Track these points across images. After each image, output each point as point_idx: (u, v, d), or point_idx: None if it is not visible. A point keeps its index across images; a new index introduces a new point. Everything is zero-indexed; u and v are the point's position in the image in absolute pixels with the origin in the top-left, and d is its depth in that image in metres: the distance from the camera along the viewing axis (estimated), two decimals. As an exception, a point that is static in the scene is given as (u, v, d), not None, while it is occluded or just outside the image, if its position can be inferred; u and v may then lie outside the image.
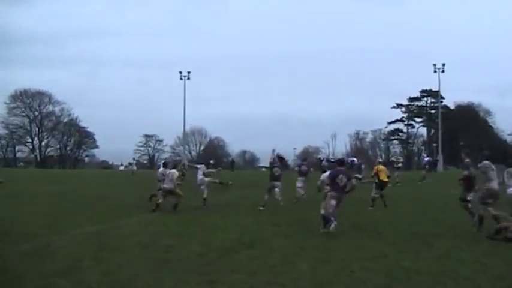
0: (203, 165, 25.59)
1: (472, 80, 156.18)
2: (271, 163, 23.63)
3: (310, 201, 22.66)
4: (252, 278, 9.82)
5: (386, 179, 23.38)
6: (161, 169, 23.96)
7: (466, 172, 16.82)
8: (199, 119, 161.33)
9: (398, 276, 9.90)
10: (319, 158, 58.96)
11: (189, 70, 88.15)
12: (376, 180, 22.92)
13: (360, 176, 31.98)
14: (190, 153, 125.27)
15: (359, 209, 21.01)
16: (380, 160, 27.87)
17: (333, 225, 14.83)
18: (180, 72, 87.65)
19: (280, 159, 25.00)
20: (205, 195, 23.80)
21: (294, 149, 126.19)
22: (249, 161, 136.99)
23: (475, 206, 16.22)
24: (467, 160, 16.90)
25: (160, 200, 21.78)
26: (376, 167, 23.61)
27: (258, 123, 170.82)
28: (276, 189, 22.93)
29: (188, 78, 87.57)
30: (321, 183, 18.72)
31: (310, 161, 40.06)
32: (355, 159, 42.50)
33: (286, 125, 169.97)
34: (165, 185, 21.84)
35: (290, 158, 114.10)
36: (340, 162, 17.07)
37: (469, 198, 16.71)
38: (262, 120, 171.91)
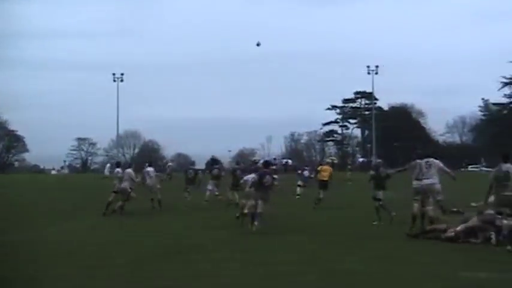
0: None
1: (405, 81, 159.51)
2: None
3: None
4: (185, 283, 9.67)
5: (325, 178, 24.14)
6: (117, 169, 23.48)
7: (372, 172, 19.37)
8: (133, 121, 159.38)
9: (334, 278, 9.90)
10: (254, 159, 59.26)
11: (122, 72, 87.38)
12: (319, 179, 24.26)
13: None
14: (125, 156, 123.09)
15: (295, 211, 21.14)
16: (328, 161, 28.61)
17: (256, 224, 15.53)
18: (113, 74, 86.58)
19: (214, 161, 25.63)
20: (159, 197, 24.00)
21: (229, 151, 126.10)
22: (183, 164, 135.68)
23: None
24: (378, 161, 18.54)
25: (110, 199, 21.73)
26: (319, 167, 25.01)
27: (193, 125, 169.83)
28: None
29: (121, 80, 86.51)
30: (243, 182, 18.84)
31: (245, 164, 39.83)
32: (289, 160, 42.81)
33: (221, 127, 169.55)
34: (121, 185, 21.98)
35: (225, 160, 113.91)
36: (267, 164, 18.64)
37: (379, 196, 18.21)
38: (197, 123, 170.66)
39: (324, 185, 24.12)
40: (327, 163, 28.37)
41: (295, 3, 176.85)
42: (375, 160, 17.84)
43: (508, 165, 12.96)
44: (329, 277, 9.92)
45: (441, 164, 15.49)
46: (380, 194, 18.46)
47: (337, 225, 17.82)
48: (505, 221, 12.37)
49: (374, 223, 17.63)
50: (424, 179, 15.10)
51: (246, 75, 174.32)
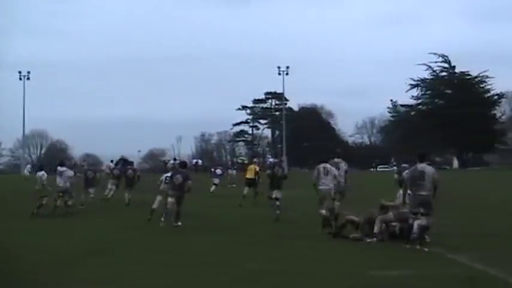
0: None
1: (316, 82, 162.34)
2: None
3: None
4: (101, 286, 9.47)
5: (251, 176, 25.55)
6: (41, 172, 22.49)
7: (268, 171, 20.63)
8: (41, 121, 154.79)
9: (247, 279, 9.85)
10: (164, 160, 58.85)
11: (29, 70, 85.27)
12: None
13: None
14: (31, 156, 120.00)
15: (209, 210, 21.06)
16: (255, 160, 30.90)
17: (163, 220, 16.47)
18: (20, 72, 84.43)
19: (125, 162, 25.76)
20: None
21: (139, 151, 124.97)
22: (94, 164, 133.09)
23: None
24: (275, 160, 19.37)
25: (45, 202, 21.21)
26: (247, 166, 26.91)
27: (102, 125, 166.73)
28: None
29: (28, 79, 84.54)
30: (160, 182, 18.89)
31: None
32: (199, 161, 42.86)
33: (131, 127, 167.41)
34: (61, 185, 21.64)
35: (135, 160, 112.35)
36: (182, 164, 19.63)
37: (274, 196, 18.84)
38: (106, 123, 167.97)
39: (249, 183, 25.22)
40: (253, 162, 29.03)
41: (205, 4, 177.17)
42: (273, 160, 19.61)
43: (423, 165, 13.26)
44: (242, 278, 9.84)
45: (337, 172, 15.88)
46: (275, 193, 18.96)
47: (252, 224, 17.85)
48: (417, 221, 12.64)
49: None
50: (322, 184, 15.53)
51: (156, 76, 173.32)
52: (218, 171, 37.28)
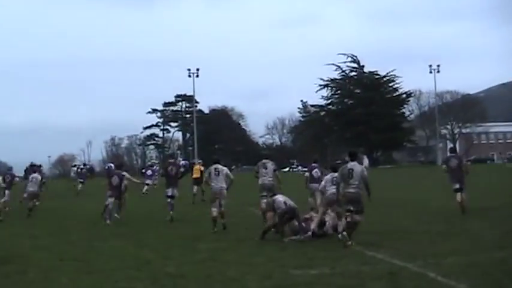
0: None
1: (226, 84, 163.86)
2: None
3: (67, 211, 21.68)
4: None
5: (197, 175, 27.72)
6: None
7: (161, 171, 23.34)
8: None
9: (164, 282, 9.68)
10: (74, 164, 57.92)
11: None
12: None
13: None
14: None
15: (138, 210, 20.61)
16: (200, 161, 33.07)
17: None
18: None
19: (34, 167, 25.48)
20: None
21: (49, 157, 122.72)
22: (1, 171, 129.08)
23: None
24: (183, 162, 20.55)
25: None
26: (193, 167, 29.70)
27: (7, 131, 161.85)
28: None
29: None
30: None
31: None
32: (112, 165, 42.32)
33: (38, 133, 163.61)
34: (30, 189, 23.12)
35: (46, 166, 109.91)
36: (118, 166, 21.94)
37: (170, 193, 19.90)
38: (14, 129, 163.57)
39: (196, 182, 27.39)
40: (198, 163, 31.55)
41: (111, 7, 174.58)
42: (184, 162, 22.21)
43: (353, 163, 13.46)
44: (156, 283, 9.67)
45: (228, 171, 17.28)
46: (170, 191, 20.00)
47: (167, 227, 17.70)
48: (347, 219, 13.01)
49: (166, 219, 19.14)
50: (214, 183, 16.71)
51: (63, 80, 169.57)
52: (149, 172, 39.06)
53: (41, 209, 23.84)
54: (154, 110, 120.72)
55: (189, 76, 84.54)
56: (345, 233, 12.83)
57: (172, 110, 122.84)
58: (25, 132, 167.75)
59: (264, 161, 18.68)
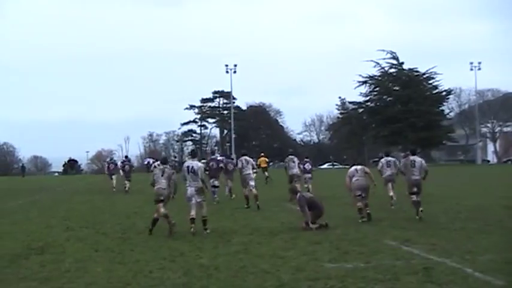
0: None
1: (264, 81, 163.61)
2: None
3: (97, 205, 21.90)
4: (44, 285, 9.26)
5: (264, 165, 35.77)
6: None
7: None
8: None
9: (197, 274, 9.69)
10: (107, 160, 58.89)
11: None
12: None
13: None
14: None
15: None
16: (262, 154, 39.70)
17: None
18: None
19: (72, 162, 25.87)
20: None
21: (87, 152, 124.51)
22: (40, 166, 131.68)
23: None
24: (212, 157, 26.20)
25: None
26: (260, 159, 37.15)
27: (48, 127, 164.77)
28: None
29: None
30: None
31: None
32: (151, 160, 43.03)
33: (77, 128, 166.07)
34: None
35: (83, 162, 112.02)
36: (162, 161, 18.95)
37: (213, 184, 23.53)
38: (52, 124, 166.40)
39: (264, 169, 35.44)
40: (262, 156, 39.31)
41: (147, 4, 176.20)
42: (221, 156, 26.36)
43: (414, 156, 17.09)
44: (189, 274, 9.70)
45: (253, 162, 23.36)
46: (213, 181, 23.52)
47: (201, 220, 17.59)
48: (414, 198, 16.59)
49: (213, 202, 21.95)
50: (245, 171, 21.75)
51: (102, 76, 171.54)
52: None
53: (77, 202, 24.21)
54: (192, 106, 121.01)
55: (227, 72, 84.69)
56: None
57: (210, 106, 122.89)
58: (64, 127, 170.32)
59: (290, 156, 25.61)
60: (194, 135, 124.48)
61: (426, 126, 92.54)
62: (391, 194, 19.95)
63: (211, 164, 24.50)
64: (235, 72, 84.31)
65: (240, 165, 22.23)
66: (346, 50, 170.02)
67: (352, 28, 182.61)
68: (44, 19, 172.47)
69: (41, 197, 30.45)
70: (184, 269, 10.11)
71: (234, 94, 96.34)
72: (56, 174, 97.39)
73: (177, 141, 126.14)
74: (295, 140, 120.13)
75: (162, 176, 15.16)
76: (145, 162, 43.48)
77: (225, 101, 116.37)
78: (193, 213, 14.64)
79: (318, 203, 15.39)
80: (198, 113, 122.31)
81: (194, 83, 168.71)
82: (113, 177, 32.94)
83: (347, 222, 16.06)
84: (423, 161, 17.11)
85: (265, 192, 17.42)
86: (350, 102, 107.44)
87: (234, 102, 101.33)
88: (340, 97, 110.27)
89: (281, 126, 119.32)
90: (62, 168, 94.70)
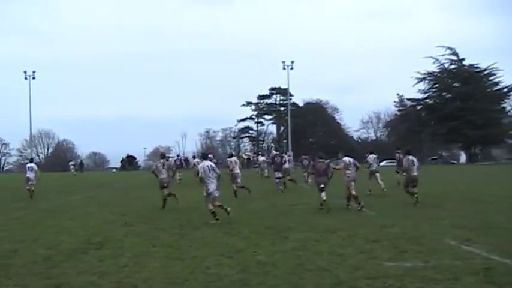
0: None
1: (321, 77, 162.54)
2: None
3: (155, 201, 22.12)
4: (102, 279, 9.41)
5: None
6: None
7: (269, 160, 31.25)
8: (46, 121, 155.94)
9: (254, 270, 9.69)
10: (167, 156, 60.08)
11: (34, 70, 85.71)
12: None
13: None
14: (39, 156, 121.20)
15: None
16: (244, 156, 38.56)
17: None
18: (25, 72, 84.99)
19: (130, 158, 26.89)
20: None
21: (145, 148, 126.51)
22: (99, 162, 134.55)
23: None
24: (274, 152, 27.96)
25: None
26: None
27: (105, 123, 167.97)
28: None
29: (33, 78, 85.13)
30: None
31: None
32: (211, 155, 44.37)
33: (134, 125, 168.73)
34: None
35: (141, 158, 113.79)
36: (230, 155, 24.69)
37: (278, 175, 28.69)
38: (110, 121, 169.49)
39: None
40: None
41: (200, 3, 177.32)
42: (274, 152, 28.62)
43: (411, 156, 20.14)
44: (246, 270, 9.71)
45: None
46: (277, 173, 28.73)
47: (258, 217, 17.69)
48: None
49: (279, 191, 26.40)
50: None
51: (160, 73, 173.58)
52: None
53: (134, 197, 24.61)
54: (249, 103, 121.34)
55: (284, 69, 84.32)
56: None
57: (267, 103, 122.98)
58: (122, 124, 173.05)
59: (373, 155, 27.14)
60: (251, 132, 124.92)
61: (486, 124, 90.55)
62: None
63: (276, 158, 29.66)
64: (292, 68, 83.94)
65: (230, 165, 26.15)
66: (403, 46, 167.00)
67: (409, 24, 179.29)
68: (101, 15, 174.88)
69: (99, 193, 31.33)
70: (242, 265, 10.12)
71: (290, 91, 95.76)
72: (114, 170, 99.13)
73: (234, 138, 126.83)
74: (352, 137, 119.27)
75: (163, 168, 21.24)
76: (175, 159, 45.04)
77: (281, 97, 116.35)
78: (211, 207, 16.44)
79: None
80: (254, 110, 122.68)
81: (251, 80, 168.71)
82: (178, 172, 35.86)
83: (405, 220, 15.89)
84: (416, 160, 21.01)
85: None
86: (408, 99, 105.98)
87: (291, 99, 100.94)
88: (398, 94, 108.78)
89: (338, 123, 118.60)
90: (120, 164, 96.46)
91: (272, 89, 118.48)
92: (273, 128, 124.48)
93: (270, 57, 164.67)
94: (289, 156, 49.84)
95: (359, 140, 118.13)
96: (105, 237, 14.07)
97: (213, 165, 17.02)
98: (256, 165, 48.90)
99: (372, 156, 26.60)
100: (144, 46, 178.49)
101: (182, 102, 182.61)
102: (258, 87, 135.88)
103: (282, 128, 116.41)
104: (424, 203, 19.49)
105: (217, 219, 16.15)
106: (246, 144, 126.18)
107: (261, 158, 46.26)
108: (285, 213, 18.59)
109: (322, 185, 19.18)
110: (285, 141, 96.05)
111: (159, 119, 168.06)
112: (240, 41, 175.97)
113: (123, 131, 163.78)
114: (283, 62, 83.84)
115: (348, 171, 19.65)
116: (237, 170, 25.85)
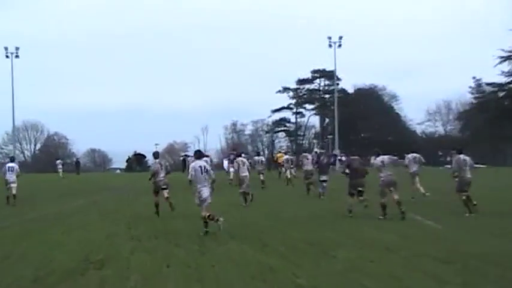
0: None
1: (375, 58, 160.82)
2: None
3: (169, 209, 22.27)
4: None
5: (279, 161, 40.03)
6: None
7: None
8: (34, 110, 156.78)
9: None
10: (185, 154, 60.21)
11: (17, 46, 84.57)
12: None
13: None
14: (24, 153, 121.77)
15: (236, 215, 20.96)
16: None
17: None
18: (6, 49, 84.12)
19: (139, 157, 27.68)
20: None
21: (156, 144, 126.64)
22: (99, 162, 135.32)
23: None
24: (321, 151, 29.48)
25: None
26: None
27: (108, 116, 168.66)
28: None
29: (17, 56, 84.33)
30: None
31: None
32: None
33: (143, 118, 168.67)
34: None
35: (151, 156, 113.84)
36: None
37: (323, 178, 28.83)
38: (113, 113, 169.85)
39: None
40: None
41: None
42: (318, 151, 30.11)
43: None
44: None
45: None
46: (322, 177, 28.87)
47: (295, 229, 17.69)
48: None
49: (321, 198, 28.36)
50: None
51: (175, 54, 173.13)
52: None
53: (144, 204, 24.76)
54: (286, 89, 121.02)
55: (330, 46, 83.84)
56: None
57: (308, 89, 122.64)
58: (128, 116, 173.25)
59: (414, 154, 28.22)
60: (288, 125, 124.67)
61: None
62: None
63: (322, 158, 30.47)
64: (340, 46, 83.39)
65: (236, 166, 27.85)
66: (480, 19, 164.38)
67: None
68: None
69: (100, 199, 31.63)
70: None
71: (338, 74, 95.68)
72: (118, 171, 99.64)
73: (267, 132, 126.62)
74: (414, 131, 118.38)
75: (161, 169, 22.55)
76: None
77: (327, 82, 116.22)
78: (205, 213, 17.07)
79: None
80: (293, 98, 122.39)
81: (288, 61, 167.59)
82: None
83: (481, 234, 15.81)
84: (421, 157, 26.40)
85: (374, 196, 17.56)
86: (488, 84, 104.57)
87: (338, 84, 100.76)
88: (474, 78, 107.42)
89: (397, 114, 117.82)
90: (126, 164, 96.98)
91: (315, 71, 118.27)
92: (315, 120, 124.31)
93: (312, 32, 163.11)
94: (340, 156, 52.50)
95: (423, 135, 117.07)
96: (107, 255, 14.13)
97: (208, 166, 17.75)
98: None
99: (411, 156, 28.06)
100: (155, 20, 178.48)
101: (203, 89, 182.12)
102: (298, 70, 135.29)
103: (327, 120, 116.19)
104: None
105: (207, 231, 16.90)
106: (282, 141, 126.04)
107: (285, 157, 46.86)
108: (329, 225, 18.62)
109: (359, 188, 19.27)
110: (330, 136, 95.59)
111: (173, 111, 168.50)
112: (273, 13, 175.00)
113: (130, 124, 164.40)
114: (329, 38, 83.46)
115: (381, 174, 19.82)
116: (246, 173, 26.86)
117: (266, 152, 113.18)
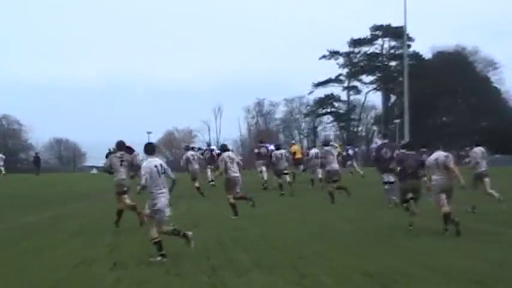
0: None
1: (458, 9, 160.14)
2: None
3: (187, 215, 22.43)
4: None
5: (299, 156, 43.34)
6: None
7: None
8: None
9: None
10: (192, 147, 60.60)
11: None
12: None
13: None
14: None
15: (258, 231, 21.11)
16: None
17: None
18: None
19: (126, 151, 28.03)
20: None
21: (149, 133, 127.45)
22: (67, 157, 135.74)
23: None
24: (384, 141, 30.88)
25: None
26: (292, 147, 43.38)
27: (81, 92, 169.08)
28: None
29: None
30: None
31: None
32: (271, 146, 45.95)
33: (129, 96, 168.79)
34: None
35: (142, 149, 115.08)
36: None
37: (386, 179, 29.46)
38: (88, 88, 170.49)
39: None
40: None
41: None
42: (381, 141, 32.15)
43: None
44: None
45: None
46: (385, 176, 29.12)
47: (344, 252, 17.76)
48: None
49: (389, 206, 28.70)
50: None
51: (173, 14, 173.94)
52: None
53: (130, 219, 24.94)
54: (334, 54, 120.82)
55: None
56: None
57: (366, 53, 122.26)
58: (106, 94, 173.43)
59: (481, 148, 28.24)
60: (336, 104, 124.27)
61: None
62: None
63: (383, 151, 30.19)
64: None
65: (221, 165, 27.59)
66: None
67: None
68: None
69: (71, 210, 31.84)
70: None
71: (409, 32, 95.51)
72: (95, 170, 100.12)
73: (306, 115, 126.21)
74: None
75: (121, 165, 25.14)
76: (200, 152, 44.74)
77: (393, 43, 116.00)
78: (155, 234, 17.39)
79: None
80: (344, 66, 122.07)
81: (335, 15, 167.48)
82: (209, 168, 41.27)
83: None
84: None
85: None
86: None
87: (409, 46, 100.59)
88: None
89: (495, 88, 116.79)
90: (106, 159, 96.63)
91: (376, 28, 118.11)
92: (376, 98, 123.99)
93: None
94: (347, 149, 56.70)
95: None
96: (82, 287, 14.25)
97: (165, 165, 18.24)
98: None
99: (479, 150, 28.03)
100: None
101: (213, 57, 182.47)
102: (350, 27, 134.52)
103: (393, 99, 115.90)
104: None
105: (162, 255, 17.10)
106: (328, 127, 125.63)
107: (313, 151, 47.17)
108: (390, 246, 18.58)
109: (410, 194, 19.44)
110: (396, 121, 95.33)
111: (171, 85, 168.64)
112: None
113: (109, 104, 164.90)
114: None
115: (433, 176, 20.11)
116: (236, 173, 27.65)
117: (306, 143, 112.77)
